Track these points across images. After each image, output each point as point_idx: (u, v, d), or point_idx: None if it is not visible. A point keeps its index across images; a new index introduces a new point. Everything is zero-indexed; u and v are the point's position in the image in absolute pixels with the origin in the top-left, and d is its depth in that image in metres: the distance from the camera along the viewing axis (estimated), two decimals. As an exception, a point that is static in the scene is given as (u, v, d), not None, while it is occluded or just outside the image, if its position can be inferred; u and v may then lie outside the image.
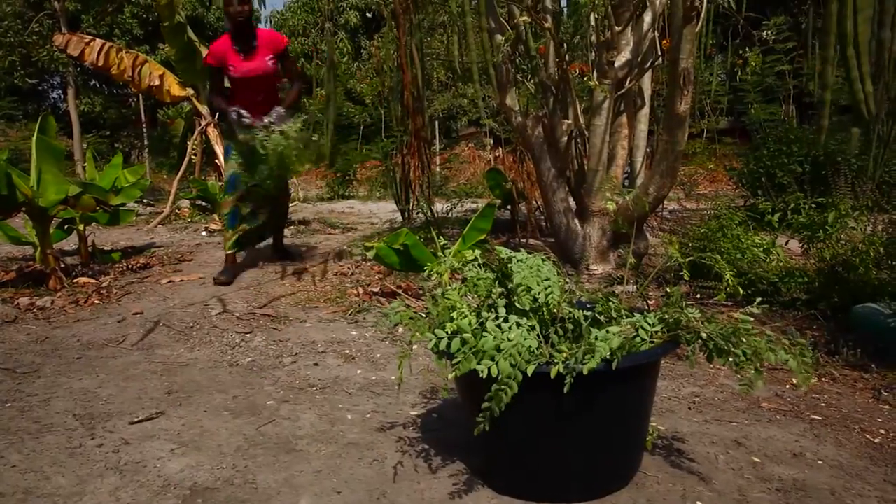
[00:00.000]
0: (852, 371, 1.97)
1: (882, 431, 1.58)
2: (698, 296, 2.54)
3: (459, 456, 1.42)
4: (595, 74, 2.99)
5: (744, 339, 1.18)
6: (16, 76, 10.63)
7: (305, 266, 3.61)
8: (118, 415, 1.70)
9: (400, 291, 2.75)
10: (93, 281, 3.32)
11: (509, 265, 1.31)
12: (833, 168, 3.92)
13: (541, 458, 1.24)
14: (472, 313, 1.28)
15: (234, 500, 1.29)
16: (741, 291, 1.36)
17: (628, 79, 3.00)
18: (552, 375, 1.11)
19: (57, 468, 1.41)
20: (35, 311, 2.80)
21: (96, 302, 2.96)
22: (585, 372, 1.10)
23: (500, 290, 1.33)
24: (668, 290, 1.33)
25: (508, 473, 1.28)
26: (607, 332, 1.17)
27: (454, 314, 1.25)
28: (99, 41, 5.90)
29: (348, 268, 3.51)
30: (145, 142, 12.14)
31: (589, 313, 1.32)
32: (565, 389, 1.09)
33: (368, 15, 16.28)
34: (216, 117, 5.82)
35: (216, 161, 6.31)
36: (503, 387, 1.08)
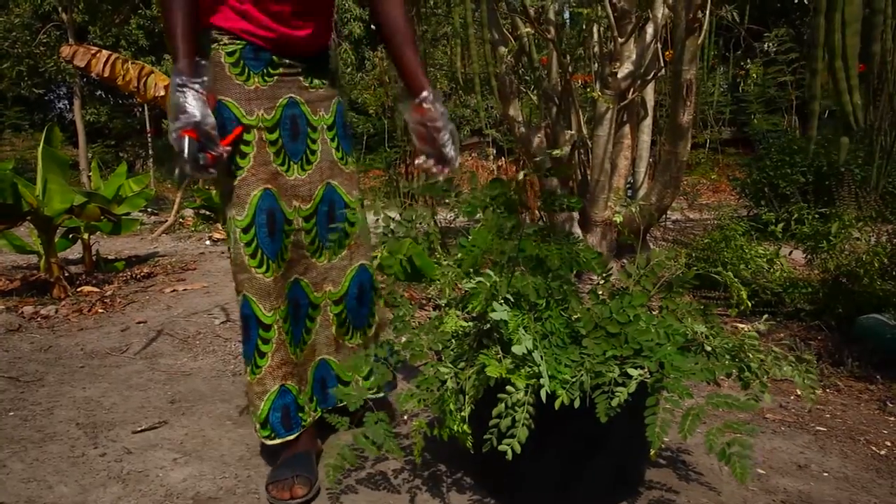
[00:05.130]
0: (857, 382, 1.96)
1: (888, 443, 1.57)
2: (702, 307, 2.53)
3: (466, 469, 1.42)
4: (598, 85, 3.00)
5: (750, 354, 1.18)
6: (23, 86, 10.73)
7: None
8: (121, 424, 1.70)
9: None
10: (97, 290, 3.33)
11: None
12: (836, 178, 3.92)
13: (547, 471, 1.23)
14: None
15: (237, 511, 1.29)
16: (749, 305, 1.36)
17: (631, 90, 3.01)
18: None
19: (60, 477, 1.41)
20: (39, 319, 2.80)
21: (100, 311, 2.97)
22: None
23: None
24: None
25: (515, 487, 1.28)
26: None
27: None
28: (105, 52, 5.94)
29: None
30: (150, 151, 12.21)
31: (592, 324, 1.31)
32: (576, 404, 1.09)
33: (373, 27, 16.38)
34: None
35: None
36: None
